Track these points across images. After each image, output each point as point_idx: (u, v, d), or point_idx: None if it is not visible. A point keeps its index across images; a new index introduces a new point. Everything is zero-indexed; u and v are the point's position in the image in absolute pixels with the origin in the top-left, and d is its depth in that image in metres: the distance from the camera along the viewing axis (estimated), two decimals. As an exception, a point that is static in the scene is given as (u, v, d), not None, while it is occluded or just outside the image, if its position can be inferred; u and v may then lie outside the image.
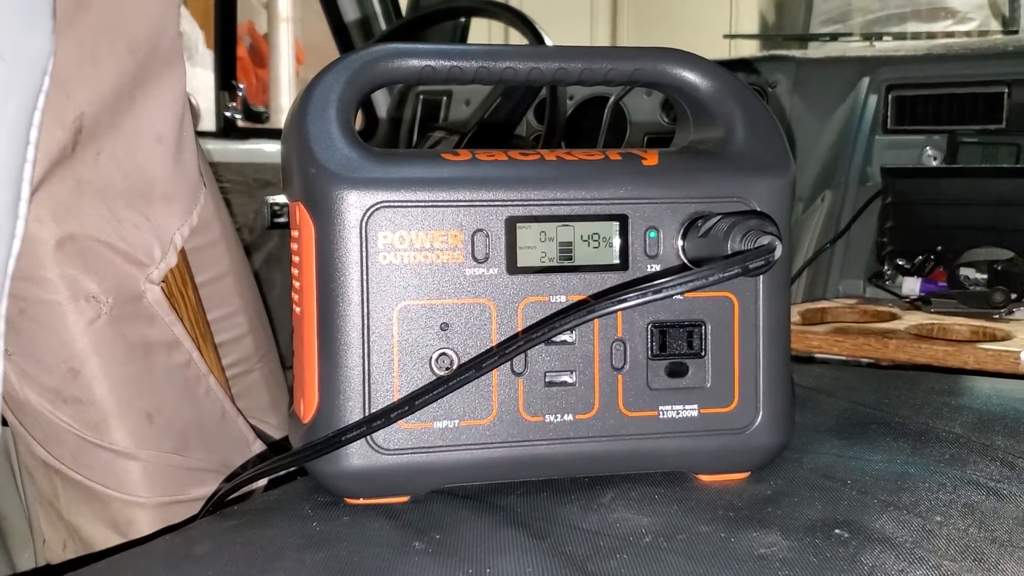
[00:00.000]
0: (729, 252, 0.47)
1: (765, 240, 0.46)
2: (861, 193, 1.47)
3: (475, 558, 0.43)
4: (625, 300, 0.44)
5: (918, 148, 1.49)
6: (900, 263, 1.33)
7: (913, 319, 1.13)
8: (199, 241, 0.68)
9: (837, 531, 0.46)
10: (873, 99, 1.53)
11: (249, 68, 4.33)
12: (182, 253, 0.63)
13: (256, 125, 2.03)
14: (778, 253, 0.45)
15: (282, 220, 1.82)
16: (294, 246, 0.52)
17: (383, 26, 2.10)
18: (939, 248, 1.31)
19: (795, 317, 1.16)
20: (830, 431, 0.64)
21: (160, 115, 0.61)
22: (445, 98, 2.02)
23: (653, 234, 0.51)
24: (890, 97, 1.52)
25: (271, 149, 1.92)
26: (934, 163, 1.47)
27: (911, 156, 1.49)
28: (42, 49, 0.34)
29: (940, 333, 1.08)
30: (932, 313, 1.16)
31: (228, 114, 1.96)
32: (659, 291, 0.43)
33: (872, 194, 1.43)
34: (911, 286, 1.27)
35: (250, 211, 1.79)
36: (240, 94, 1.98)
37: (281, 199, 1.81)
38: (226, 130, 1.94)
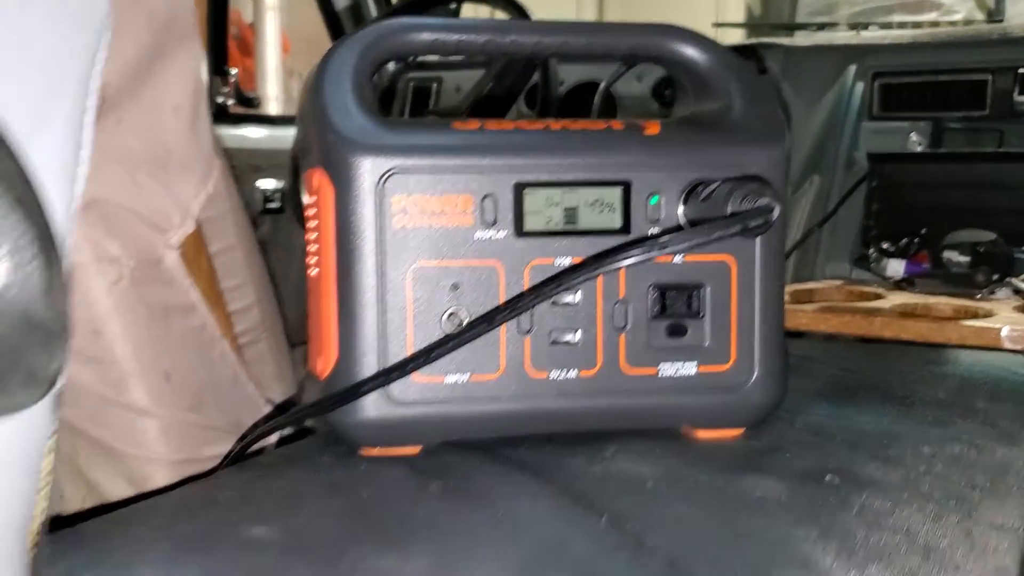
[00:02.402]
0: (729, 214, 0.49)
1: (764, 201, 0.48)
2: (848, 178, 1.51)
3: (488, 500, 0.45)
4: (630, 256, 0.47)
5: (903, 134, 1.52)
6: (885, 246, 1.37)
7: (898, 299, 1.17)
8: (211, 212, 0.70)
9: (828, 478, 0.49)
10: (860, 86, 1.56)
11: (235, 57, 4.32)
12: (196, 222, 0.65)
13: (248, 111, 2.04)
14: (776, 213, 0.48)
15: (273, 206, 1.83)
16: (311, 212, 0.54)
17: (373, 13, 2.11)
18: (923, 231, 1.34)
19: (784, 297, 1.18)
20: (819, 395, 0.67)
21: (177, 87, 0.63)
22: (435, 84, 2.04)
23: (655, 200, 0.54)
24: (876, 84, 1.55)
25: (262, 135, 1.94)
26: (919, 149, 1.50)
27: (897, 142, 1.52)
28: (103, 9, 0.35)
29: (924, 311, 1.12)
30: (916, 293, 1.20)
31: (220, 99, 1.97)
32: (664, 246, 0.46)
33: (858, 178, 1.46)
34: (896, 268, 1.30)
35: (241, 196, 1.80)
36: (232, 80, 1.99)
37: (271, 184, 1.82)
38: (218, 115, 1.95)
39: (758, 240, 0.54)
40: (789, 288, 1.24)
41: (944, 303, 1.12)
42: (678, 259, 0.54)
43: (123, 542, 0.40)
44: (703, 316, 0.55)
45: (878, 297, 1.19)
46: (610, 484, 0.47)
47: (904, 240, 1.34)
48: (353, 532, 0.41)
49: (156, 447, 0.62)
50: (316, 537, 0.41)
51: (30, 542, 0.32)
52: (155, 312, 0.62)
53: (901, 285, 1.24)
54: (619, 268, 0.49)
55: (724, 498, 0.46)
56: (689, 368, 0.55)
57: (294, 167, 1.29)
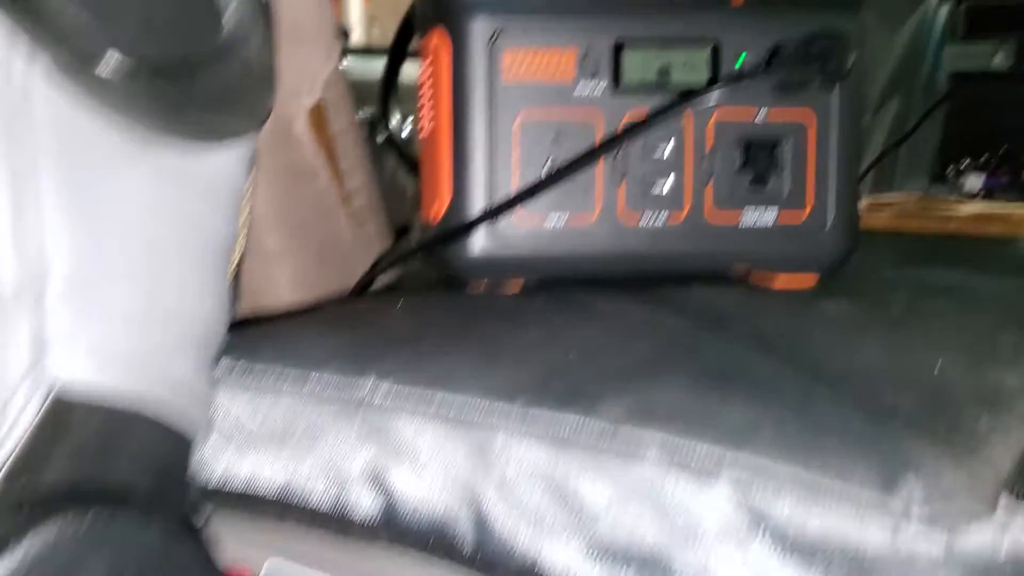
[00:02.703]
0: (809, 64, 0.54)
1: (840, 50, 0.53)
2: (929, 99, 1.52)
3: (587, 306, 0.51)
4: (718, 87, 0.52)
5: (987, 57, 1.52)
6: (964, 163, 1.38)
7: (975, 208, 1.19)
8: (330, 93, 0.76)
9: (896, 303, 0.54)
10: (944, 9, 1.56)
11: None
12: (322, 96, 0.72)
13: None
14: (851, 60, 0.52)
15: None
16: (427, 72, 0.60)
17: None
18: (1004, 148, 1.35)
19: (861, 207, 1.21)
20: (891, 262, 0.71)
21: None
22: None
23: (741, 60, 0.59)
24: (961, 7, 1.55)
25: (351, 64, 2.01)
26: (1004, 70, 1.50)
27: (980, 64, 1.52)
28: None
29: (1000, 218, 1.14)
30: (994, 203, 1.22)
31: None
32: (752, 80, 0.51)
33: (939, 98, 1.47)
34: (974, 182, 1.32)
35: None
36: (325, 10, 2.06)
37: (359, 114, 1.90)
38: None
39: (835, 95, 0.58)
40: (866, 200, 1.27)
41: (1021, 211, 1.14)
42: (761, 116, 0.59)
43: (280, 326, 0.48)
44: (783, 168, 0.59)
45: (954, 206, 1.21)
46: (696, 304, 0.53)
47: (984, 156, 1.35)
48: (473, 321, 0.48)
49: (285, 292, 0.69)
50: (443, 322, 0.47)
51: (231, 274, 0.39)
52: (287, 171, 0.68)
53: (978, 196, 1.26)
54: (709, 105, 0.54)
55: (799, 314, 0.51)
56: (769, 215, 0.60)
57: (384, 94, 1.34)
